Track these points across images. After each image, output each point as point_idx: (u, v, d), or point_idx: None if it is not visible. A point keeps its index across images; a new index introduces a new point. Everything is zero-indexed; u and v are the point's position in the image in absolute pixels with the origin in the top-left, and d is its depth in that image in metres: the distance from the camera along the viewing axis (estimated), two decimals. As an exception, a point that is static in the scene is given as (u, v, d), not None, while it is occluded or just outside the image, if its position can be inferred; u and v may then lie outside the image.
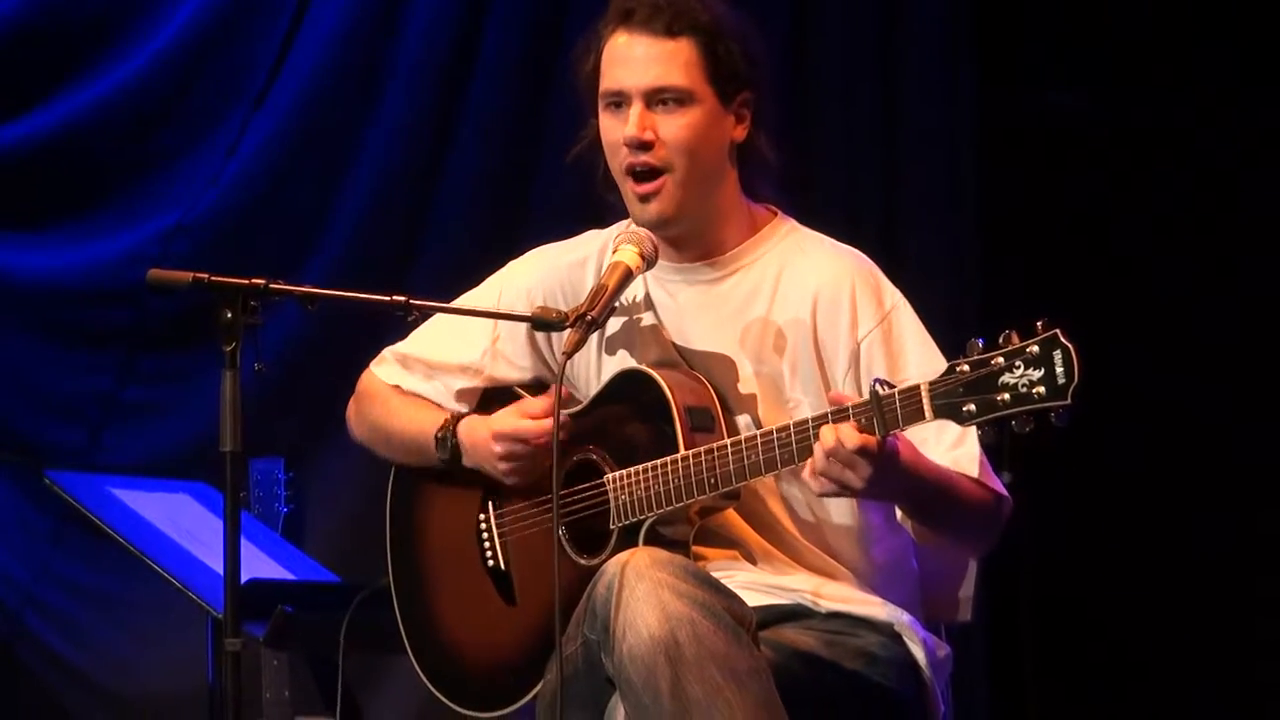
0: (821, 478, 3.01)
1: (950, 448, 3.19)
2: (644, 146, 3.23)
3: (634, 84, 3.24)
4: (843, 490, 3.02)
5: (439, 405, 3.49)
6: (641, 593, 2.97)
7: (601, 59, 3.28)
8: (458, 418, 3.42)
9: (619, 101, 3.26)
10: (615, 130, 3.26)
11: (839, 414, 3.02)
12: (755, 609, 3.11)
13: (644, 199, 3.26)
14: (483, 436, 3.36)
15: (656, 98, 3.24)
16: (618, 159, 3.27)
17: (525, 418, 3.31)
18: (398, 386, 3.52)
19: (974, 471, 3.19)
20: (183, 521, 4.31)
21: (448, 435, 3.40)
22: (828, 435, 3.00)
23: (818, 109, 5.24)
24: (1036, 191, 5.07)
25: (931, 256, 5.12)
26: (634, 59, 3.24)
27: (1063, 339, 2.84)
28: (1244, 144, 4.95)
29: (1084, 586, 4.98)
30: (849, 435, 2.98)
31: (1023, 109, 5.08)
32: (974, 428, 3.09)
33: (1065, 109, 5.02)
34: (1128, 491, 4.99)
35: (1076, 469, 4.89)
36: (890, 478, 3.02)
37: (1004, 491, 3.26)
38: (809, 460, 3.03)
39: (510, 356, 3.46)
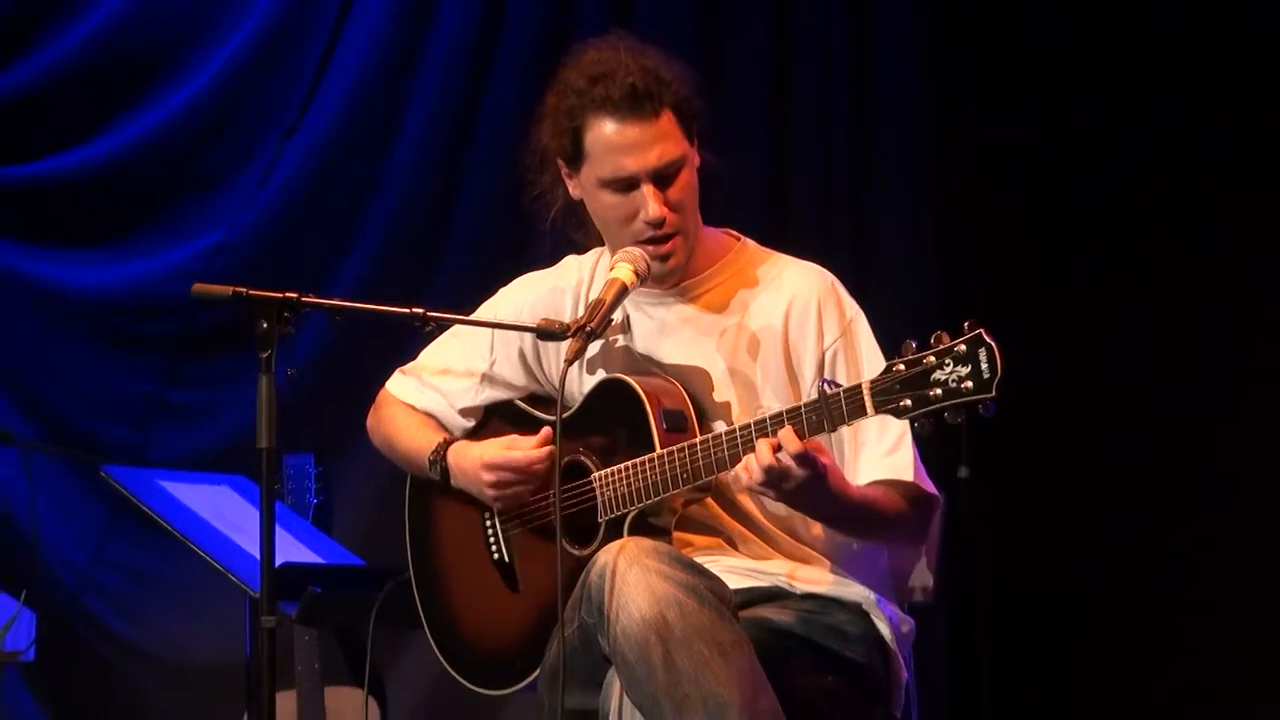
0: (752, 481, 3.17)
1: (886, 453, 3.34)
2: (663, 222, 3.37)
3: (641, 168, 3.33)
4: (767, 491, 3.19)
5: (441, 425, 3.60)
6: (633, 578, 3.10)
7: (588, 144, 3.36)
8: (449, 443, 3.52)
9: (627, 184, 3.36)
10: (624, 207, 3.36)
11: (792, 411, 3.14)
12: (737, 591, 3.25)
13: (663, 258, 3.39)
14: (472, 465, 3.46)
15: (661, 174, 3.35)
16: (629, 230, 3.37)
17: (514, 450, 3.43)
18: (410, 405, 3.65)
19: (908, 476, 3.34)
20: (224, 511, 4.39)
21: (438, 460, 3.52)
22: (761, 448, 3.14)
23: (794, 132, 5.37)
24: (993, 207, 5.12)
25: (896, 266, 5.24)
26: (634, 146, 3.32)
27: (986, 338, 2.94)
28: (1195, 142, 4.99)
29: (1037, 567, 5.02)
30: (766, 453, 3.12)
31: (982, 137, 5.13)
32: (910, 434, 3.30)
33: (1022, 139, 5.06)
34: (1084, 480, 5.03)
35: (1032, 460, 4.96)
36: (812, 495, 3.18)
37: (934, 492, 3.41)
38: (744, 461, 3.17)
39: (505, 378, 3.61)
